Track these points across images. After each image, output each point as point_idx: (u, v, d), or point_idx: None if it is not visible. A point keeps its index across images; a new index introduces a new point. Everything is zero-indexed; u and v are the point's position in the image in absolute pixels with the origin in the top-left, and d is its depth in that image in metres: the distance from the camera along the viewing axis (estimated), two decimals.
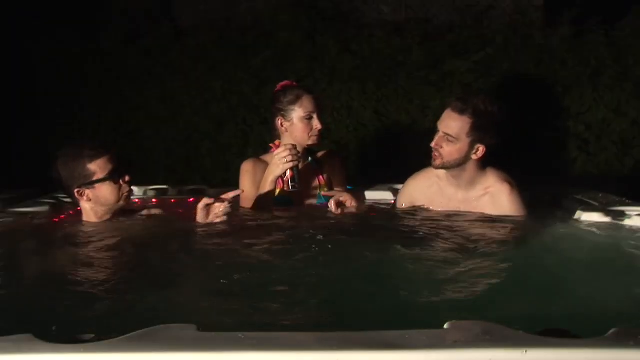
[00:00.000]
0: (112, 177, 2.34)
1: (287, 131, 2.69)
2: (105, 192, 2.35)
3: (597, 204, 2.56)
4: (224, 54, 4.19)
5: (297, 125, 2.66)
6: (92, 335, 1.12)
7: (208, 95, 4.19)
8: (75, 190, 2.34)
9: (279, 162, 2.51)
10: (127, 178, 2.38)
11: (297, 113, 2.65)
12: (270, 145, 2.82)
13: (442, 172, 2.59)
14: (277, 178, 2.56)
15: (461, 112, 2.41)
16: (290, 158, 2.49)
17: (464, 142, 2.42)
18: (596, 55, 3.90)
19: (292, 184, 2.52)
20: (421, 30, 4.08)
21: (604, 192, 2.77)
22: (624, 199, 2.58)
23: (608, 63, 3.88)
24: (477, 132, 2.40)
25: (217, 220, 2.29)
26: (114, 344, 1.09)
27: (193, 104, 4.21)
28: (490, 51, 3.95)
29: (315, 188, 2.78)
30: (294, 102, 2.66)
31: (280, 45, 4.12)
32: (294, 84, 2.80)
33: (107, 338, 1.10)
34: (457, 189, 2.58)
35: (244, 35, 4.21)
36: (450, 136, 2.42)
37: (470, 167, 2.49)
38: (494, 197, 2.50)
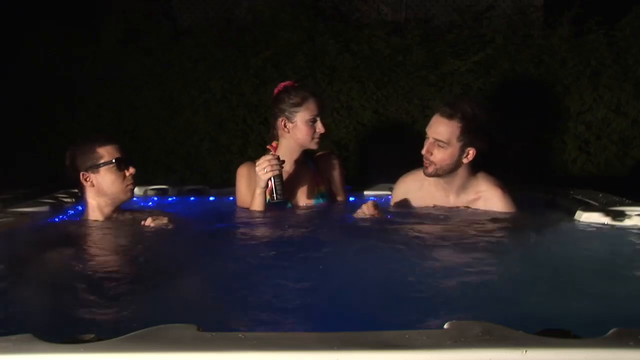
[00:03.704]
0: (118, 164, 2.35)
1: (289, 132, 2.67)
2: (109, 179, 2.36)
3: (597, 204, 2.55)
4: (224, 54, 4.19)
5: (300, 127, 2.65)
6: (92, 335, 1.12)
7: (208, 95, 4.19)
8: (82, 174, 2.37)
9: (259, 174, 2.50)
10: (131, 170, 2.39)
11: (301, 115, 2.64)
12: (268, 147, 2.82)
13: None
14: (264, 190, 2.55)
15: (450, 117, 2.42)
16: (269, 168, 2.47)
17: (455, 146, 2.41)
18: (596, 55, 3.90)
19: (274, 195, 2.48)
20: (421, 30, 4.08)
21: (604, 192, 2.77)
22: (624, 199, 2.57)
23: (608, 63, 3.88)
24: (467, 136, 2.40)
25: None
26: (114, 344, 1.09)
27: (193, 104, 4.21)
28: (490, 51, 3.95)
29: (313, 189, 2.77)
30: (299, 104, 2.64)
31: (280, 45, 4.12)
32: (295, 84, 2.79)
33: (107, 338, 1.10)
34: (448, 193, 2.57)
35: (244, 35, 4.21)
36: (441, 141, 2.41)
37: (462, 172, 2.49)
38: (486, 202, 2.50)
